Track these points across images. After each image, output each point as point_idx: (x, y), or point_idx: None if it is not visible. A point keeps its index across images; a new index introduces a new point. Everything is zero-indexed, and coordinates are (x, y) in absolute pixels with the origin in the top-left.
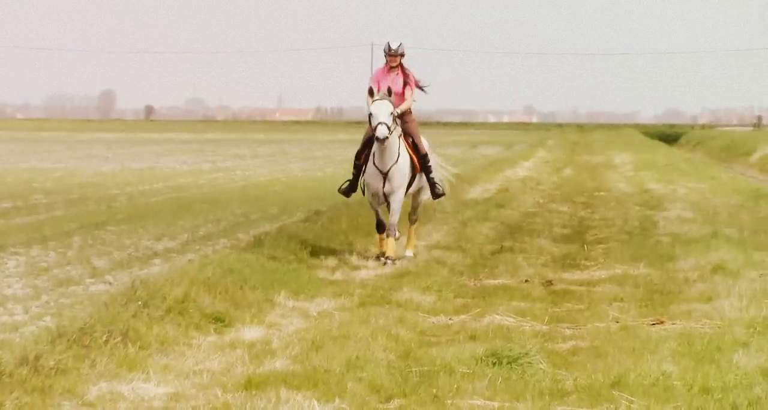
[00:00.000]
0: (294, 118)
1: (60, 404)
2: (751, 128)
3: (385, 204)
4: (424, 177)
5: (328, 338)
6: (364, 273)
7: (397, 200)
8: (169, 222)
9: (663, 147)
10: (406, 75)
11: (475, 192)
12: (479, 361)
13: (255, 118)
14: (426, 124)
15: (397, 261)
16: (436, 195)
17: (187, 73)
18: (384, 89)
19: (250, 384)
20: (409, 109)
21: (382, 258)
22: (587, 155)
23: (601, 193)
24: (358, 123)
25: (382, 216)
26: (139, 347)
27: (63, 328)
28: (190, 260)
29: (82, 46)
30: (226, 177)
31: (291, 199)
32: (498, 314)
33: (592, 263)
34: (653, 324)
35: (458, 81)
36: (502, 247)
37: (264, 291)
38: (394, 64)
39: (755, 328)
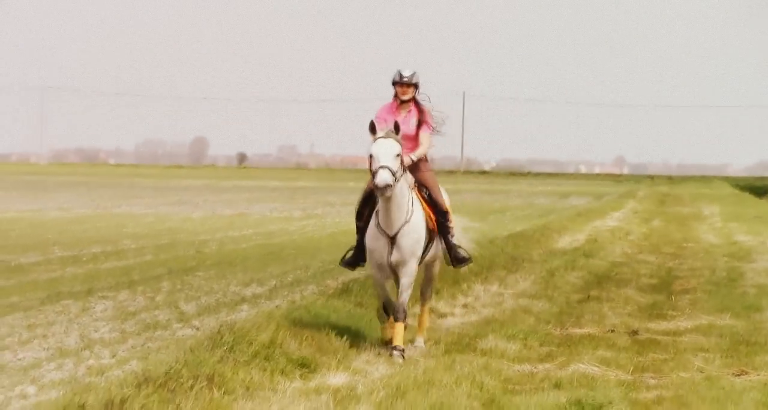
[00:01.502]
0: None
1: None
2: None
3: (393, 278)
4: (442, 242)
5: (412, 384)
6: (450, 321)
7: (409, 273)
8: (258, 269)
9: (752, 199)
10: (421, 112)
11: (564, 241)
12: None
13: (346, 166)
14: (517, 174)
15: (406, 354)
16: (456, 260)
17: (280, 119)
18: (388, 125)
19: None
20: (425, 155)
21: (389, 349)
22: (677, 206)
23: (689, 244)
24: (449, 171)
25: (390, 295)
26: (224, 392)
27: (149, 372)
28: (277, 306)
29: (175, 93)
30: (316, 224)
31: None
32: (582, 363)
33: (678, 313)
34: (738, 375)
35: (550, 131)
36: (588, 296)
37: (350, 338)
38: (406, 97)
39: None
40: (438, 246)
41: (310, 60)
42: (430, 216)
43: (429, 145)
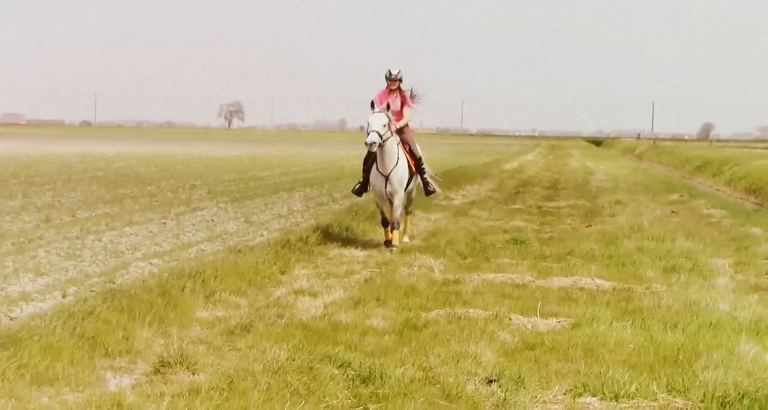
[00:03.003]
0: None
1: (317, 258)
2: (636, 139)
3: (388, 202)
4: (418, 178)
5: (439, 230)
6: (455, 202)
7: (399, 198)
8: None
9: (594, 147)
10: (403, 96)
11: (507, 166)
12: (507, 242)
13: None
14: (487, 135)
15: (400, 247)
16: (428, 192)
17: None
18: (383, 105)
19: (402, 251)
20: (407, 123)
21: (389, 246)
22: (558, 151)
23: (565, 168)
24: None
25: (387, 214)
26: (352, 234)
27: (319, 224)
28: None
29: None
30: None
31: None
32: (515, 221)
33: (559, 198)
34: (587, 227)
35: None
36: (518, 191)
37: (413, 209)
38: (394, 87)
39: (635, 229)
40: (416, 181)
41: None
42: (411, 162)
43: (408, 118)
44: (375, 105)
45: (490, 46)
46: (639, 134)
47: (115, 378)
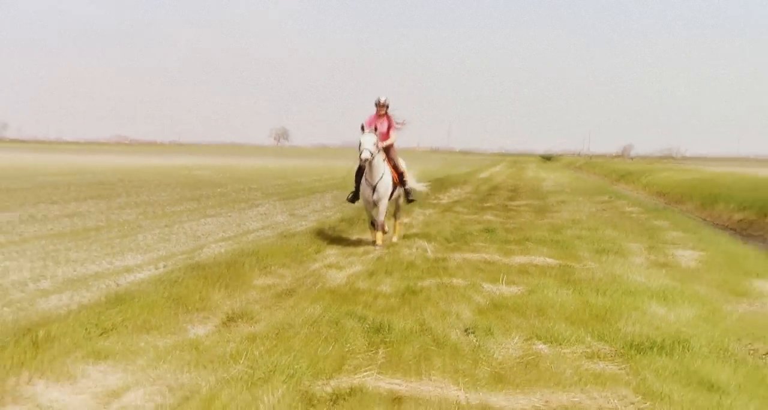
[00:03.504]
0: None
1: (342, 241)
2: (576, 156)
3: (376, 208)
4: (401, 189)
5: (431, 222)
6: (443, 201)
7: (383, 205)
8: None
9: (545, 162)
10: (390, 120)
11: (482, 175)
12: (480, 230)
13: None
14: (465, 153)
15: (383, 247)
16: (408, 200)
17: None
18: (371, 128)
19: (402, 237)
20: (393, 143)
21: (374, 246)
22: (518, 165)
23: (523, 178)
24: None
25: (375, 217)
26: (357, 229)
27: (344, 217)
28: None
29: None
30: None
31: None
32: (487, 215)
33: (519, 199)
34: (541, 219)
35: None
36: (489, 193)
37: (415, 207)
38: (382, 113)
39: (574, 222)
40: (400, 191)
41: None
42: (394, 175)
43: (394, 139)
44: (365, 127)
45: (472, 81)
46: (579, 152)
47: (193, 328)
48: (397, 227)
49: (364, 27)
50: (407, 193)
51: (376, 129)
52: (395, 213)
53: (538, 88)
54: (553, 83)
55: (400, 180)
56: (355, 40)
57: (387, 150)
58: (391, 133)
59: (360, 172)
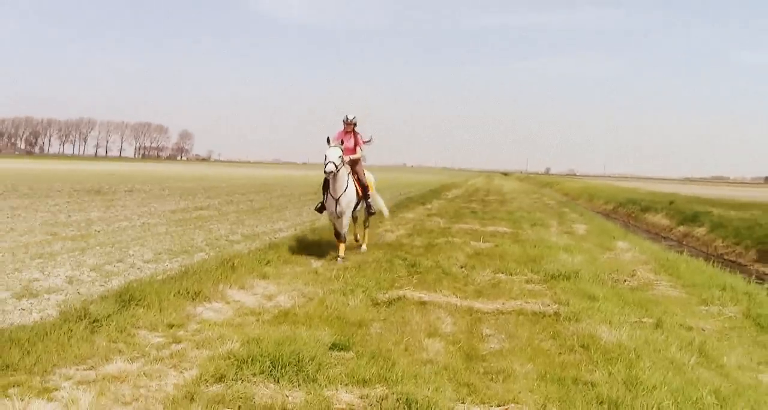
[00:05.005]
0: None
1: (395, 218)
2: (521, 172)
3: (339, 220)
4: (364, 202)
5: (441, 208)
6: (449, 196)
7: (346, 217)
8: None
9: (504, 176)
10: (356, 137)
11: (470, 182)
12: (469, 212)
13: None
14: (462, 169)
15: (346, 259)
16: (369, 213)
17: None
18: (338, 142)
19: (427, 215)
20: (359, 158)
21: (337, 259)
22: (489, 178)
23: (492, 187)
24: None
25: (338, 229)
26: (408, 209)
27: (396, 204)
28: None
29: None
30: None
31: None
32: (472, 205)
33: (490, 196)
34: (502, 207)
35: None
36: (473, 192)
37: (433, 198)
38: (349, 129)
39: (520, 209)
40: (364, 205)
41: None
42: (359, 190)
43: (360, 154)
44: (330, 141)
45: (469, 109)
46: (548, 169)
47: (314, 262)
48: (365, 236)
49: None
50: (368, 205)
51: (342, 142)
52: (363, 222)
53: (495, 118)
54: (505, 113)
55: (364, 193)
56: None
57: (353, 164)
58: (357, 149)
59: (326, 185)
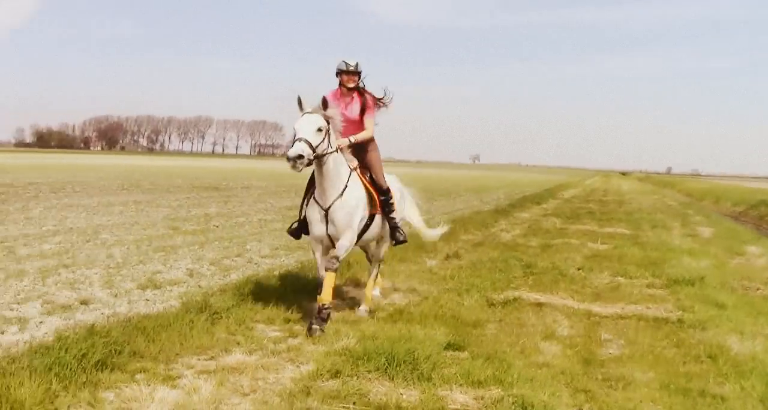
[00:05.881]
0: None
1: (510, 217)
2: (665, 172)
3: (327, 250)
4: (386, 222)
5: (557, 207)
6: (565, 197)
7: (343, 246)
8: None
9: (622, 176)
10: (364, 99)
11: (577, 188)
12: (586, 213)
13: None
14: (577, 168)
15: (322, 333)
16: (397, 241)
17: None
18: (321, 108)
19: (543, 215)
20: (373, 138)
21: (312, 325)
22: (606, 177)
23: (611, 187)
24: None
25: (322, 270)
26: (522, 207)
27: (511, 203)
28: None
29: None
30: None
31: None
32: (590, 205)
33: (608, 196)
34: (620, 207)
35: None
36: (590, 193)
37: (549, 198)
38: (351, 85)
39: (640, 210)
40: (384, 226)
41: None
42: (373, 195)
43: (371, 131)
44: (303, 103)
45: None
46: (642, 170)
47: (428, 261)
48: (376, 282)
49: None
50: (394, 228)
51: (324, 103)
52: (371, 258)
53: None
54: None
55: (382, 204)
56: None
57: (361, 150)
58: (367, 120)
59: (311, 185)
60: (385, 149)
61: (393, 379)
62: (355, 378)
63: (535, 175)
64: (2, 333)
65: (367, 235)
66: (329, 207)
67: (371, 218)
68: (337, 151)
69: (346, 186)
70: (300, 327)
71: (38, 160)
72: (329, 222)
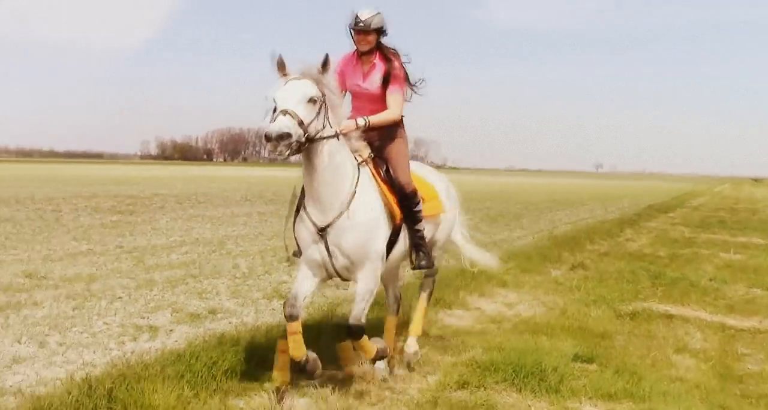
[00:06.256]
0: None
1: (636, 226)
2: None
3: (323, 279)
4: (408, 234)
5: (686, 216)
6: (694, 204)
7: (367, 277)
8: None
9: (756, 184)
10: (390, 65)
11: (705, 196)
12: (716, 222)
13: None
14: (708, 176)
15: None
16: (419, 265)
17: None
18: (354, 83)
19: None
20: (400, 121)
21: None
22: (736, 185)
23: (742, 192)
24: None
25: (297, 289)
26: (653, 215)
27: (623, 216)
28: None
29: None
30: None
31: None
32: (719, 214)
33: (740, 204)
34: (754, 216)
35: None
36: (721, 201)
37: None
38: (366, 48)
39: None
40: (405, 241)
41: None
42: (392, 206)
43: (398, 109)
44: (286, 67)
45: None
46: None
47: (553, 271)
48: (422, 318)
49: None
50: (418, 246)
51: (326, 63)
52: (420, 288)
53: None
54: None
55: (405, 212)
56: None
57: (385, 136)
58: (391, 95)
59: (302, 195)
60: (503, 157)
61: (521, 391)
62: (483, 389)
63: (660, 183)
64: (135, 340)
65: (393, 255)
66: (329, 225)
67: (396, 233)
68: (337, 136)
69: (354, 191)
70: (425, 339)
71: (163, 172)
72: (332, 251)
